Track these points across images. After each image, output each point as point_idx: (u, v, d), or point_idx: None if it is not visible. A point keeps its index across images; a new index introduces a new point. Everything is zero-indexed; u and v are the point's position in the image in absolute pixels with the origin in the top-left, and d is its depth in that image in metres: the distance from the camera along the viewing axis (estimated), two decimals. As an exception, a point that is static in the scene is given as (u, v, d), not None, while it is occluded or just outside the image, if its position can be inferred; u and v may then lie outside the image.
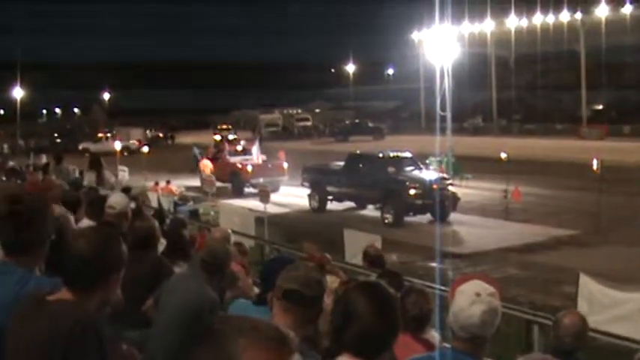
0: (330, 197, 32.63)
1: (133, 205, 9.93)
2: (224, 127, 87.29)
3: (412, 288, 6.86)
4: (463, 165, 38.50)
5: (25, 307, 3.39)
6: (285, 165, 38.99)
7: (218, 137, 71.51)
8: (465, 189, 34.03)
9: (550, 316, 6.11)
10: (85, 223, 8.35)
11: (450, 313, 4.04)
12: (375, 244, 11.73)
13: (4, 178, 20.38)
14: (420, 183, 29.07)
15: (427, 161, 35.86)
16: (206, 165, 41.06)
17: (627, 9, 74.41)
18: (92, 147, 69.81)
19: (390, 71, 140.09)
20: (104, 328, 3.39)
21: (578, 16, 77.65)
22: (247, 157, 40.33)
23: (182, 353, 5.92)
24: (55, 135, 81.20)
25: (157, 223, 7.78)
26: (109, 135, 79.24)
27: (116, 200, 8.83)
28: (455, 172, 36.08)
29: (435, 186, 28.46)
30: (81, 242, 3.44)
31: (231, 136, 71.93)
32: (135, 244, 6.88)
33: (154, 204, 25.89)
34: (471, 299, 3.95)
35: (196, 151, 50.39)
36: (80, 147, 66.00)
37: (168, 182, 35.71)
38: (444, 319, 4.38)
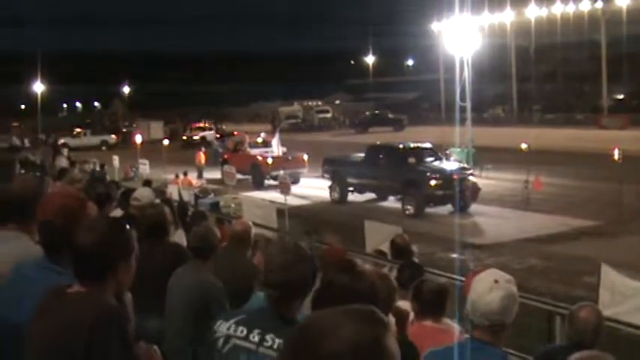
0: (350, 189, 32.64)
1: (157, 200, 10.02)
2: (204, 125, 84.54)
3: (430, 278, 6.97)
4: (483, 156, 38.40)
5: (45, 301, 3.41)
6: (306, 157, 39.04)
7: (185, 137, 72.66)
8: (485, 179, 33.94)
9: (572, 308, 6.11)
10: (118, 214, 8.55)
11: (469, 303, 4.06)
12: (402, 234, 11.69)
13: (22, 171, 20.52)
14: (441, 174, 29.03)
15: (447, 151, 35.81)
16: (200, 155, 44.23)
17: (648, -2, 73.81)
18: (71, 142, 70.36)
19: (410, 62, 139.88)
20: (128, 320, 3.44)
21: (599, 5, 77.09)
22: (267, 149, 40.42)
23: (196, 342, 6.00)
24: (78, 129, 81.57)
25: (168, 209, 7.81)
26: (87, 131, 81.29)
27: (141, 193, 8.97)
28: (475, 162, 36.03)
29: (455, 176, 28.42)
30: (84, 234, 3.46)
31: (196, 137, 72.51)
32: (149, 232, 6.95)
33: (175, 197, 26.02)
34: (490, 286, 3.98)
35: (217, 144, 50.61)
36: (60, 142, 66.41)
37: (185, 174, 35.83)
38: (463, 311, 4.41)
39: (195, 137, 72.21)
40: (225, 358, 3.74)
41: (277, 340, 3.59)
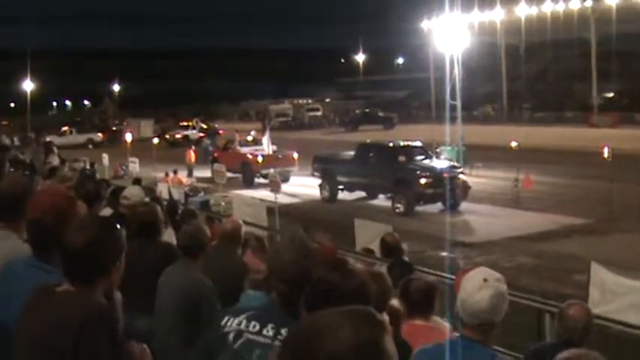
0: (340, 187, 32.66)
1: (147, 199, 10.00)
2: (188, 123, 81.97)
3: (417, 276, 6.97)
4: (473, 154, 38.45)
5: (34, 300, 3.39)
6: (296, 155, 39.06)
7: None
8: (475, 178, 33.98)
9: (562, 306, 6.14)
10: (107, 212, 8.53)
11: (458, 301, 4.05)
12: (393, 232, 11.70)
13: (12, 170, 20.46)
14: (431, 172, 29.09)
15: (437, 150, 35.85)
16: (190, 154, 44.61)
17: (637, -4, 74.02)
18: (57, 140, 70.35)
19: (400, 61, 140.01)
20: (117, 319, 3.43)
21: (589, 3, 77.33)
22: (258, 147, 40.44)
23: (189, 342, 5.98)
24: (67, 127, 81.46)
25: (159, 208, 7.78)
26: (73, 129, 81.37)
27: (131, 192, 8.96)
28: (465, 160, 36.08)
29: (445, 175, 28.47)
30: (75, 234, 3.42)
31: (178, 136, 72.12)
32: (140, 231, 6.92)
33: (165, 195, 25.96)
34: (479, 284, 3.96)
35: (207, 142, 50.63)
36: (47, 139, 66.50)
37: (175, 172, 35.82)
38: (453, 309, 4.41)
39: (177, 136, 72.06)
40: (238, 353, 3.74)
41: None
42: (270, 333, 3.66)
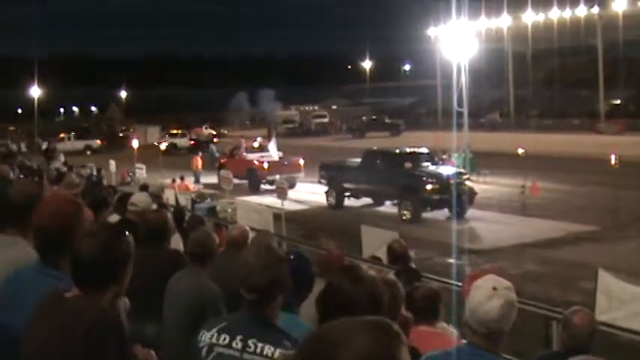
0: (347, 194, 32.63)
1: (154, 205, 10.02)
2: (174, 131, 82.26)
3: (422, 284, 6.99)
4: (480, 161, 38.40)
5: (43, 306, 3.40)
6: (302, 162, 39.05)
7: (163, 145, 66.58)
8: (482, 185, 33.93)
9: (566, 313, 6.14)
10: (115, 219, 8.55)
11: (467, 309, 4.04)
12: (399, 239, 11.66)
13: (21, 176, 20.49)
14: (437, 178, 29.02)
15: (444, 156, 35.75)
16: (197, 160, 44.73)
17: (645, 3, 73.90)
18: (57, 146, 70.38)
19: (407, 67, 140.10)
20: (124, 324, 3.43)
21: (595, 10, 77.26)
22: (264, 154, 40.46)
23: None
24: (73, 133, 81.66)
25: (169, 215, 7.79)
26: (71, 134, 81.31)
27: (139, 198, 8.98)
28: (472, 167, 36.02)
29: (451, 181, 28.41)
30: (86, 242, 3.43)
31: (165, 143, 70.64)
32: (149, 236, 6.93)
33: (172, 201, 25.98)
34: (489, 294, 3.95)
35: (214, 148, 50.71)
36: (46, 146, 66.56)
37: (182, 178, 35.86)
38: (461, 316, 4.40)
39: (164, 143, 70.13)
40: None
41: (259, 345, 3.60)
42: (239, 345, 3.66)
